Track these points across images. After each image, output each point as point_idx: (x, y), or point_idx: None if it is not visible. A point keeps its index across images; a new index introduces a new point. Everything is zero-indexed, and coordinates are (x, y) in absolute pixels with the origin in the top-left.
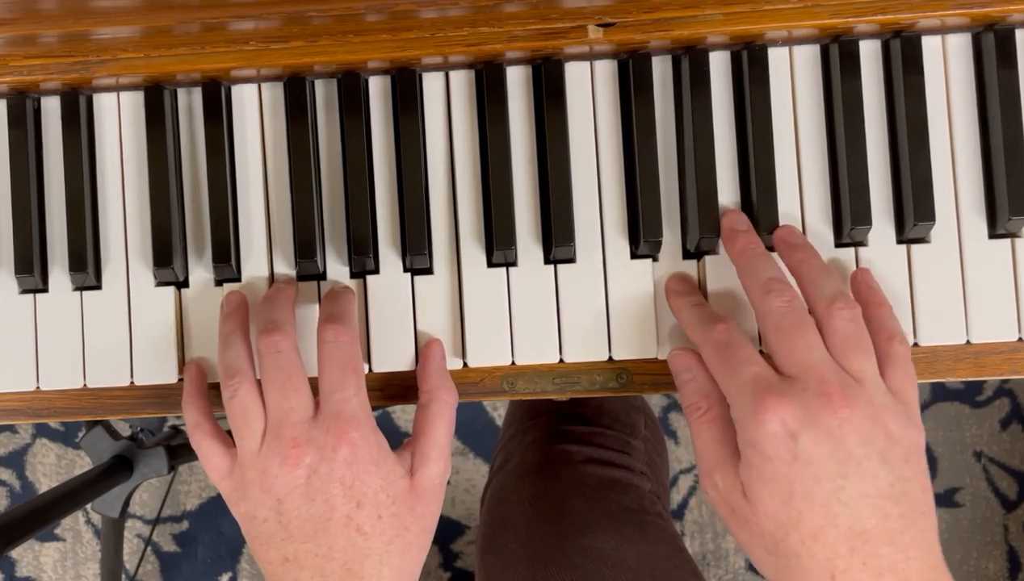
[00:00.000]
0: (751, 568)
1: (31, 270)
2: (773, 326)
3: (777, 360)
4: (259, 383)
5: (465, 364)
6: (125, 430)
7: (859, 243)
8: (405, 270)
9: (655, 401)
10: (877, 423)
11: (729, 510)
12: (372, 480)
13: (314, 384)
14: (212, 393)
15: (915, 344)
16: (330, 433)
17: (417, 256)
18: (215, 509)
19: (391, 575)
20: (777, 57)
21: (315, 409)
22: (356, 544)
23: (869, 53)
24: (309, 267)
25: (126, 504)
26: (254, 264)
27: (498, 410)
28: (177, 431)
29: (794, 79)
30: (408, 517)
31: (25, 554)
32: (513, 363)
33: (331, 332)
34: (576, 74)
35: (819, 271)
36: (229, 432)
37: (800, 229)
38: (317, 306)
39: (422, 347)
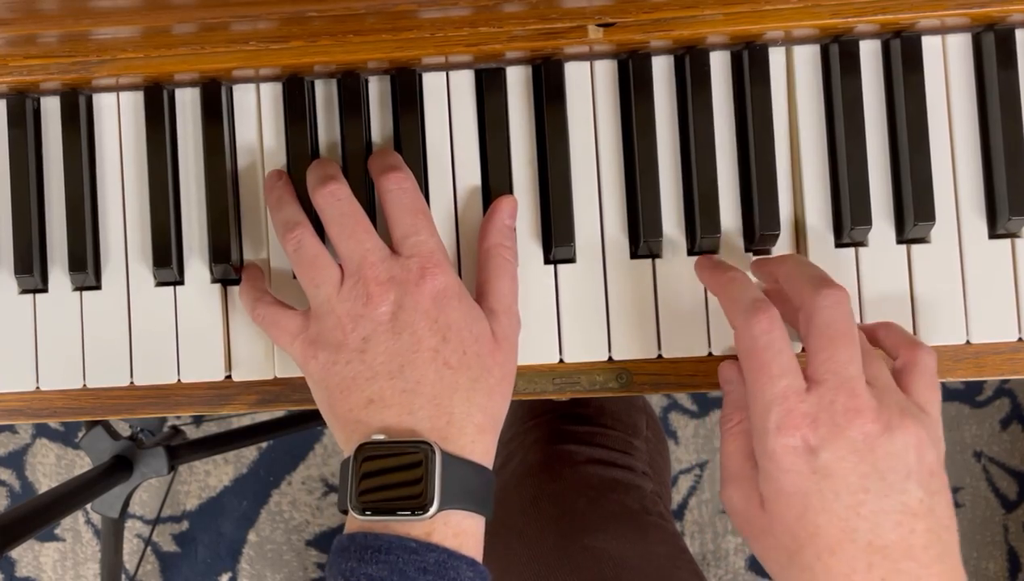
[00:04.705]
0: (751, 568)
1: (31, 270)
2: (819, 329)
3: (812, 361)
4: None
5: None
6: (125, 430)
7: (859, 243)
8: None
9: (655, 401)
10: (907, 435)
11: (745, 521)
12: (456, 315)
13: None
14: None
15: None
16: (412, 271)
17: None
18: (215, 509)
19: (479, 415)
20: (777, 57)
21: (390, 253)
22: (444, 377)
23: (869, 53)
24: None
25: (126, 504)
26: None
27: None
28: (177, 431)
29: (794, 79)
30: (490, 360)
31: (25, 554)
32: None
33: (393, 181)
34: (576, 74)
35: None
36: None
37: (800, 231)
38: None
39: (492, 204)
